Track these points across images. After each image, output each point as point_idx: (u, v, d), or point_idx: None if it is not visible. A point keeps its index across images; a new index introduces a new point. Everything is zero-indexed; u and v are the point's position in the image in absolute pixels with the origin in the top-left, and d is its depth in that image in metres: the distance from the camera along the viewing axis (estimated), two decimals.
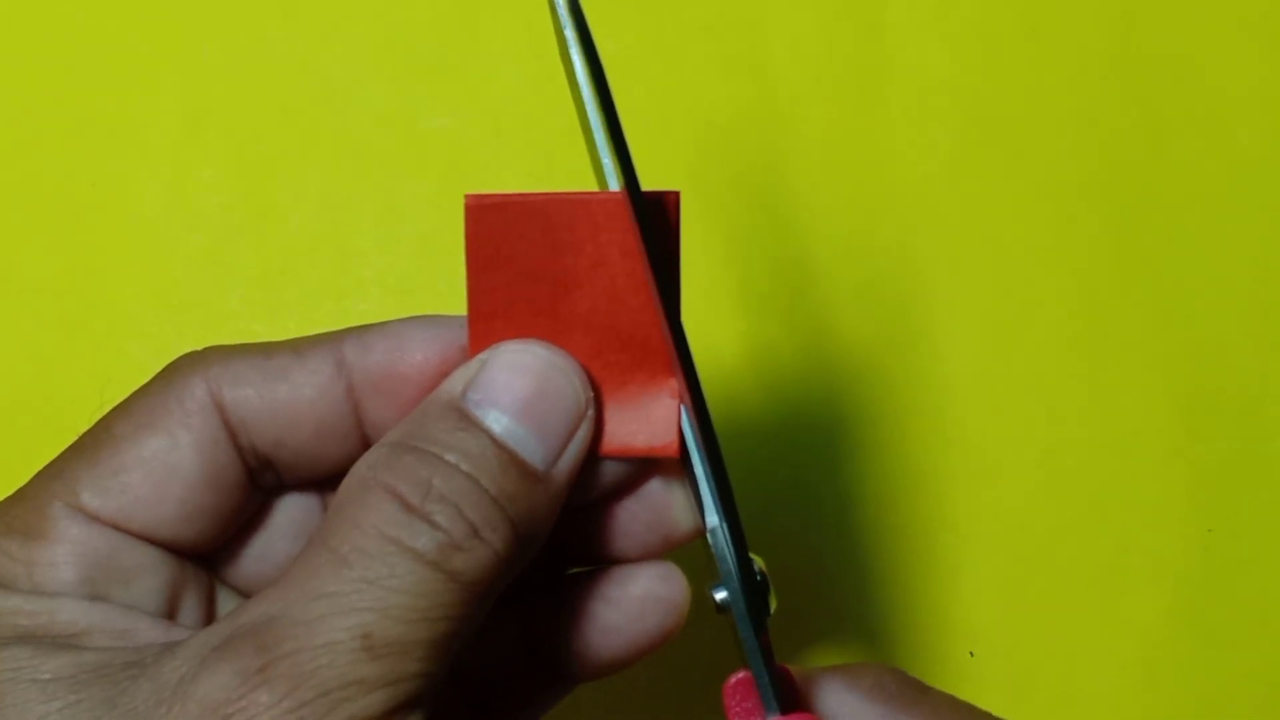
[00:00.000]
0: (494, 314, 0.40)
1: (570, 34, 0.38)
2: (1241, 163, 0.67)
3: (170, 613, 0.40)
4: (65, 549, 0.38)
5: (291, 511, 0.43)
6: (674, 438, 0.40)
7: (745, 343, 0.63)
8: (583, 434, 0.39)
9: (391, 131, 0.66)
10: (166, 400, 0.40)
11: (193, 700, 0.32)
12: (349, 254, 0.65)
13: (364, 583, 0.34)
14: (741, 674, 0.38)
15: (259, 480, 0.42)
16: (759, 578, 0.39)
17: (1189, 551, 0.63)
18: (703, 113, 0.66)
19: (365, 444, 0.41)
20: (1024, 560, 0.63)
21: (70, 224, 0.64)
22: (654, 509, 0.42)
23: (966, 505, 0.63)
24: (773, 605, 0.39)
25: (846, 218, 0.65)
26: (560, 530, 0.39)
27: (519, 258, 0.39)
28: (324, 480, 0.43)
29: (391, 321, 0.41)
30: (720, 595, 0.39)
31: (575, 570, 0.44)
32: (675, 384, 0.40)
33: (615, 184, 0.39)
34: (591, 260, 0.39)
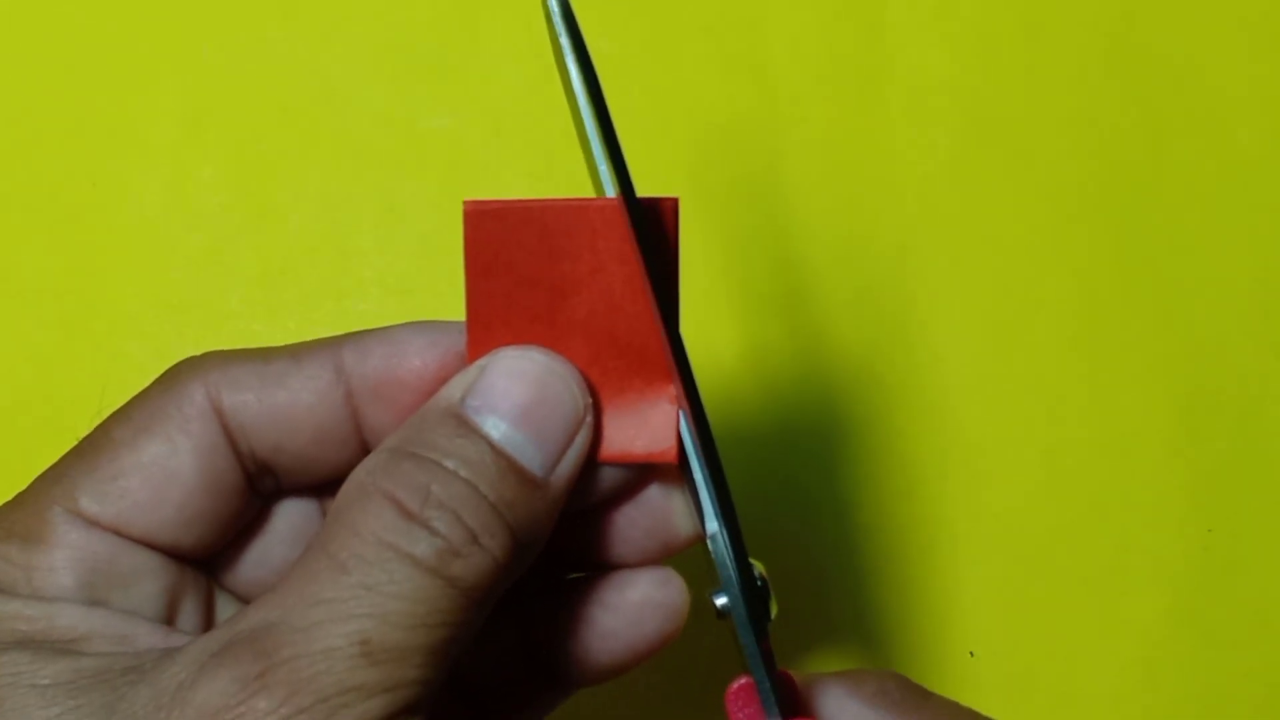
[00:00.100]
0: (492, 320, 0.40)
1: (565, 41, 0.38)
2: (1241, 163, 0.67)
3: (169, 618, 0.40)
4: (64, 554, 0.38)
5: (290, 517, 0.43)
6: (673, 443, 0.40)
7: (744, 345, 0.63)
8: (581, 440, 0.39)
9: (391, 131, 0.66)
10: (165, 405, 0.40)
11: (191, 706, 0.32)
12: (349, 254, 0.64)
13: (362, 589, 0.34)
14: (743, 680, 0.38)
15: (258, 485, 0.42)
16: (759, 583, 0.39)
17: (1189, 551, 0.63)
18: (702, 113, 0.66)
19: (364, 449, 0.41)
20: (1024, 560, 0.63)
21: (70, 224, 0.64)
22: (653, 515, 0.42)
23: (966, 506, 0.63)
24: (773, 611, 0.39)
25: (846, 218, 0.65)
26: (559, 536, 0.39)
27: (517, 264, 0.39)
28: (323, 485, 0.43)
29: (390, 327, 0.41)
30: (721, 601, 0.39)
31: (574, 575, 0.44)
32: (673, 389, 0.40)
33: (612, 191, 0.39)
34: (589, 266, 0.39)
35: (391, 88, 0.66)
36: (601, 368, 0.40)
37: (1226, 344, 0.65)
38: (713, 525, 0.39)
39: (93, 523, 0.39)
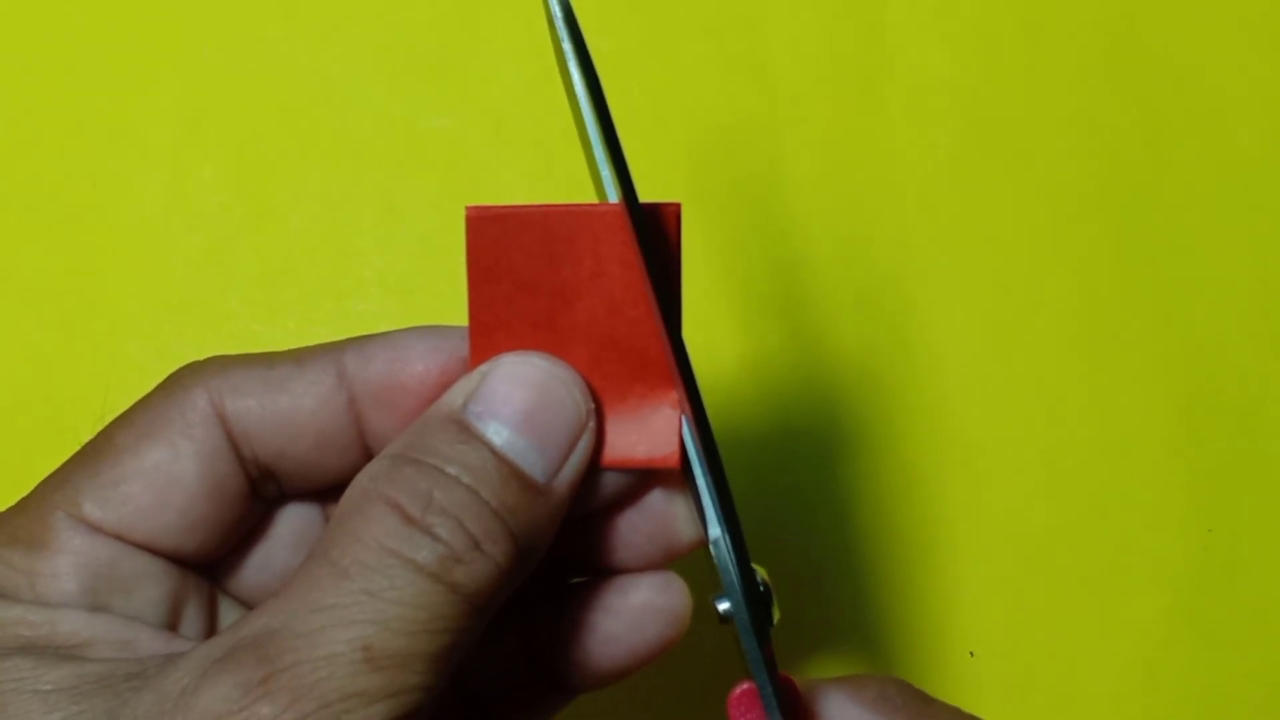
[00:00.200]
0: (494, 325, 0.40)
1: (567, 45, 0.38)
2: (1241, 163, 0.67)
3: (172, 623, 0.40)
4: (67, 559, 0.38)
5: (293, 522, 0.43)
6: (675, 449, 0.40)
7: (744, 348, 0.63)
8: (583, 446, 0.39)
9: (391, 131, 0.66)
10: (168, 411, 0.40)
11: (194, 712, 0.32)
12: (349, 254, 0.65)
13: (365, 595, 0.34)
14: (745, 685, 0.38)
15: (260, 491, 0.42)
16: (762, 588, 0.39)
17: (1189, 551, 0.63)
18: (702, 113, 0.66)
19: (366, 454, 0.41)
20: (1024, 560, 0.63)
21: (70, 224, 0.64)
22: (655, 520, 0.42)
23: (966, 506, 0.63)
24: (776, 616, 0.39)
25: (846, 219, 0.65)
26: (561, 541, 0.39)
27: (519, 269, 0.39)
28: (325, 490, 0.43)
29: (393, 332, 0.41)
30: (723, 606, 0.39)
31: (576, 580, 0.44)
32: (675, 395, 0.40)
33: (614, 196, 0.39)
34: (591, 272, 0.39)
35: (391, 88, 0.66)
36: (603, 373, 0.40)
37: (1226, 344, 0.65)
38: (715, 530, 0.39)
39: (95, 528, 0.39)
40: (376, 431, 0.41)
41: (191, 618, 0.41)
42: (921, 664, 0.62)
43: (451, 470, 0.36)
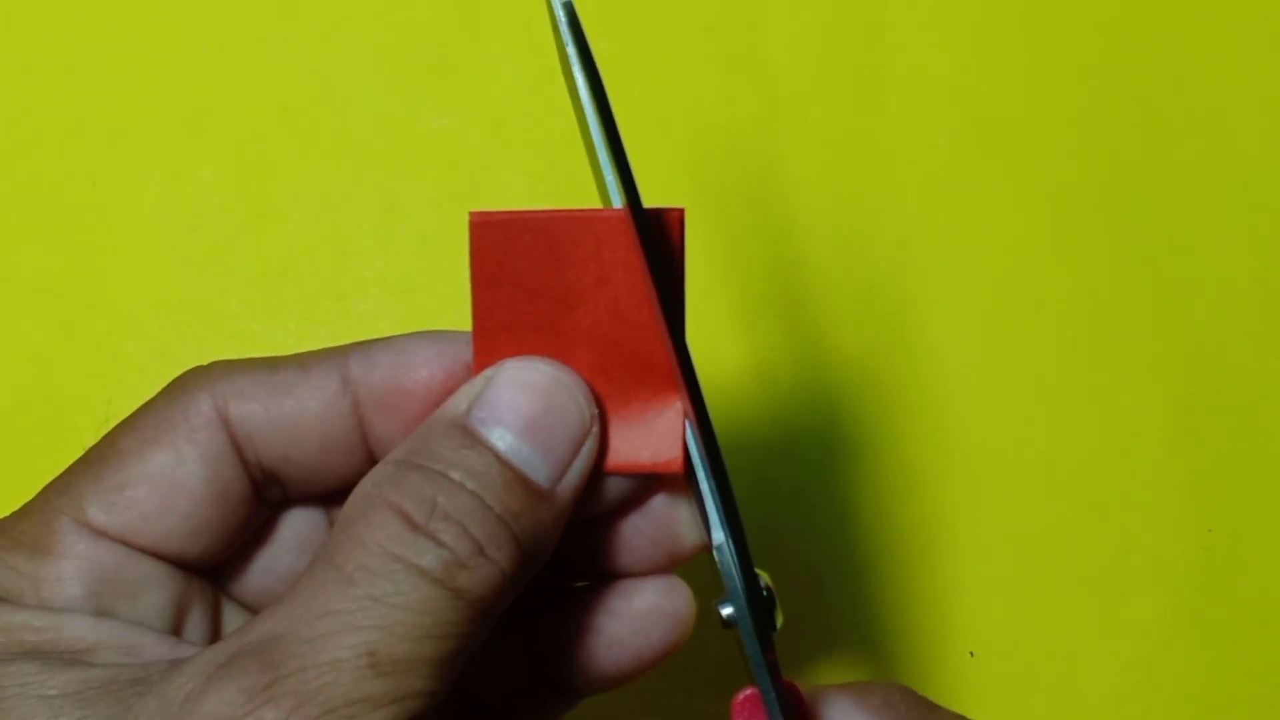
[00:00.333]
0: (498, 330, 0.40)
1: (571, 50, 0.38)
2: (1241, 163, 0.67)
3: (176, 628, 0.40)
4: (72, 564, 0.38)
5: (297, 526, 0.43)
6: (678, 453, 0.40)
7: (744, 347, 0.63)
8: (587, 451, 0.39)
9: (391, 131, 0.66)
10: (172, 415, 0.40)
11: (198, 717, 0.32)
12: (349, 254, 0.64)
13: (369, 600, 0.34)
14: (749, 691, 0.38)
15: (264, 495, 0.42)
16: (765, 593, 0.39)
17: (1189, 551, 0.63)
18: (702, 113, 0.66)
19: (370, 459, 0.41)
20: (1024, 560, 0.63)
21: (70, 224, 0.64)
22: (659, 524, 0.42)
23: (967, 506, 0.63)
24: (779, 621, 0.39)
25: (846, 219, 0.65)
26: (565, 546, 0.39)
27: (523, 274, 0.39)
28: (329, 495, 0.43)
29: (396, 337, 0.41)
30: (726, 611, 0.39)
31: (580, 584, 0.44)
32: (679, 400, 0.40)
33: (618, 200, 0.39)
34: (595, 277, 0.39)
35: (391, 88, 0.66)
36: (607, 378, 0.40)
37: (1226, 344, 0.65)
38: (718, 535, 0.39)
39: (100, 533, 0.39)
40: (380, 436, 0.41)
41: (196, 622, 0.41)
42: (922, 664, 0.62)
43: (456, 476, 0.36)
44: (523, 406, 0.38)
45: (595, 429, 0.39)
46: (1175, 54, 0.68)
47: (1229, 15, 0.69)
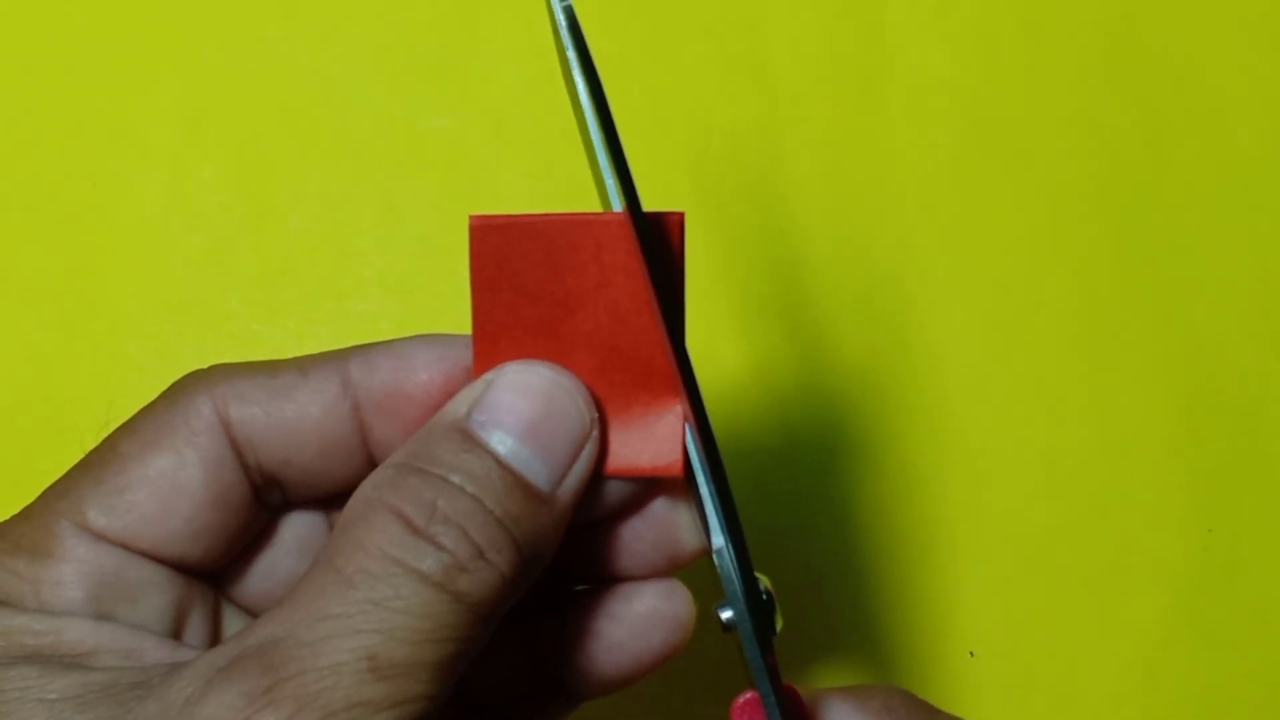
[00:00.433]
0: (498, 334, 0.40)
1: (572, 54, 0.38)
2: (1241, 163, 0.67)
3: (176, 631, 0.40)
4: (72, 568, 0.38)
5: (297, 529, 0.43)
6: (678, 457, 0.40)
7: (746, 349, 0.63)
8: (587, 454, 0.39)
9: (391, 131, 0.66)
10: (173, 419, 0.40)
11: None
12: (349, 254, 0.64)
13: (369, 604, 0.34)
14: (749, 694, 0.38)
15: (265, 498, 0.42)
16: (765, 597, 0.39)
17: (1189, 551, 0.63)
18: (702, 113, 0.66)
19: (370, 463, 0.41)
20: (1024, 560, 0.63)
21: (70, 224, 0.64)
22: (659, 528, 0.42)
23: (967, 506, 0.63)
24: (779, 625, 0.39)
25: (846, 219, 0.65)
26: (565, 549, 0.39)
27: (523, 278, 0.39)
28: (329, 498, 0.43)
29: (397, 340, 0.41)
30: (726, 615, 0.39)
31: (580, 588, 0.44)
32: (679, 403, 0.40)
33: (618, 204, 0.39)
34: (595, 281, 0.39)
35: (391, 88, 0.66)
36: (607, 382, 0.40)
37: (1226, 344, 0.65)
38: (718, 539, 0.39)
39: (100, 536, 0.39)
40: (380, 439, 0.41)
41: (196, 626, 0.41)
42: (922, 664, 0.62)
43: (456, 479, 0.36)
44: (523, 410, 0.38)
45: (595, 433, 0.39)
46: (1175, 54, 0.68)
47: (1229, 15, 0.69)
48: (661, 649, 0.42)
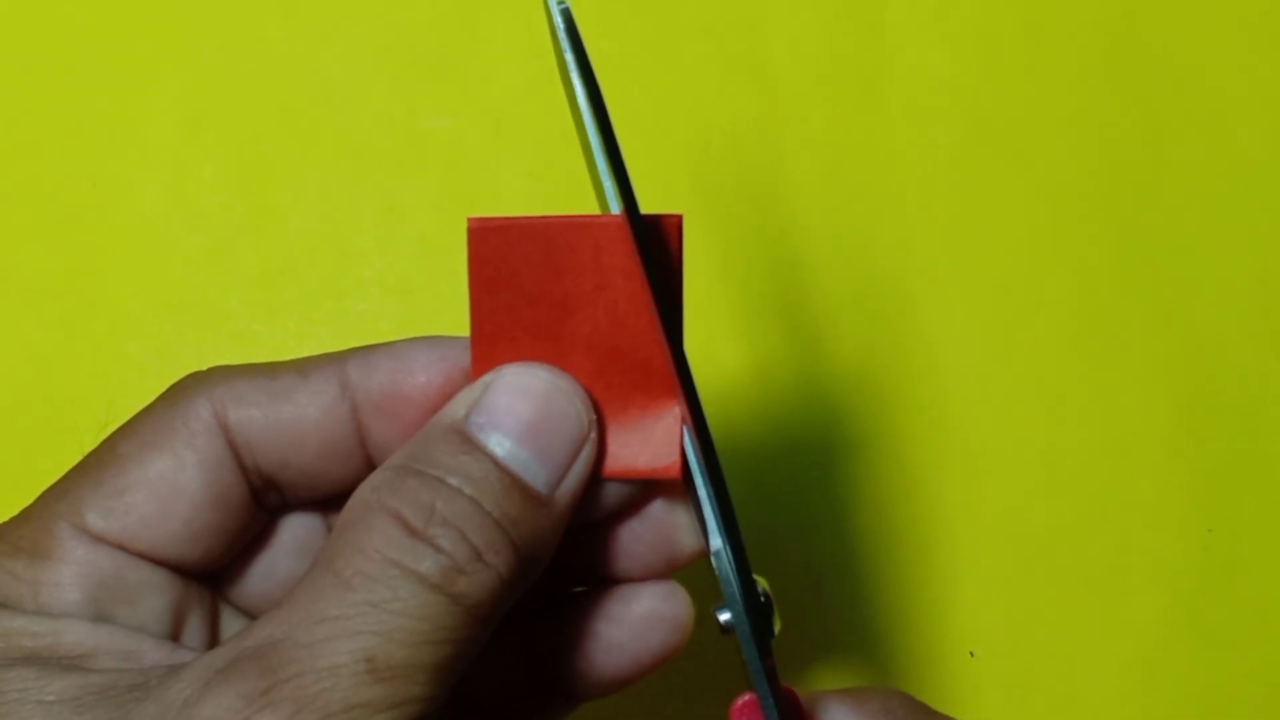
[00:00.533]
0: (497, 336, 0.40)
1: (570, 57, 0.38)
2: (1241, 163, 0.67)
3: (175, 633, 0.40)
4: (71, 570, 0.38)
5: (295, 531, 0.44)
6: (676, 459, 0.40)
7: (745, 349, 0.63)
8: (585, 456, 0.39)
9: (391, 131, 0.66)
10: (171, 420, 0.40)
11: None
12: (349, 254, 0.64)
13: (367, 606, 0.34)
14: (747, 696, 0.38)
15: (263, 500, 0.42)
16: (763, 599, 0.39)
17: (1189, 551, 0.63)
18: (702, 113, 0.66)
19: (369, 464, 0.41)
20: (1024, 560, 0.63)
21: (70, 224, 0.64)
22: (657, 530, 0.42)
23: (966, 506, 0.63)
24: (777, 627, 0.39)
25: (846, 219, 0.65)
26: (563, 551, 0.39)
27: (521, 280, 0.39)
28: (328, 500, 0.43)
29: (395, 342, 0.41)
30: (724, 617, 0.39)
31: (578, 589, 0.44)
32: (677, 405, 0.40)
33: (616, 207, 0.39)
34: (593, 283, 0.39)
35: (391, 88, 0.66)
36: (605, 384, 0.40)
37: (1226, 344, 0.65)
38: (716, 541, 0.39)
39: (99, 538, 0.39)
40: (379, 441, 0.41)
41: (194, 627, 0.41)
42: (921, 665, 0.62)
43: (454, 481, 0.36)
44: (521, 412, 0.38)
45: (593, 434, 0.39)
46: (1175, 54, 0.68)
47: (1229, 15, 0.69)
48: (660, 651, 0.42)
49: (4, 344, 0.63)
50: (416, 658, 0.34)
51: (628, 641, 0.42)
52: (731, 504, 0.39)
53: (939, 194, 0.66)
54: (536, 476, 0.37)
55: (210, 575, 0.42)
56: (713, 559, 0.39)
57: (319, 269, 0.64)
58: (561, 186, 0.65)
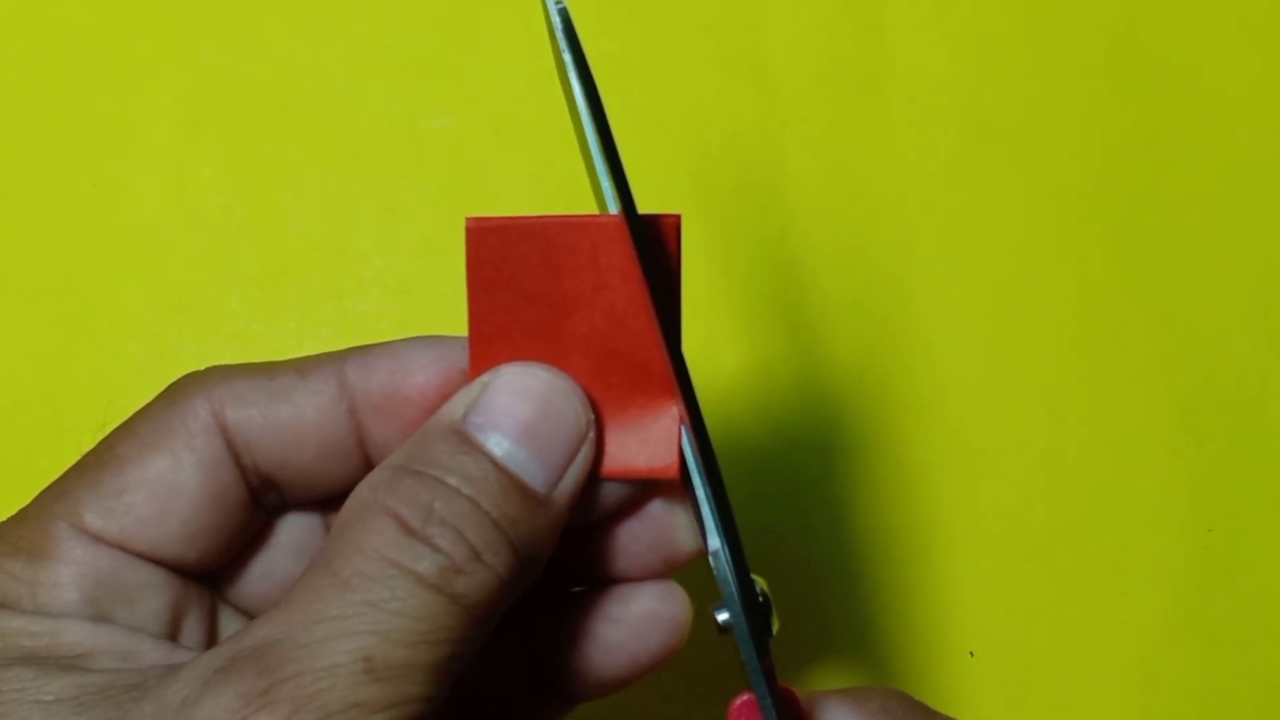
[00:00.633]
0: (495, 336, 0.40)
1: (568, 57, 0.38)
2: (1241, 163, 0.67)
3: (173, 633, 0.40)
4: (69, 570, 0.38)
5: (294, 531, 0.43)
6: (674, 459, 0.40)
7: (745, 349, 0.63)
8: (584, 456, 0.39)
9: (391, 131, 0.66)
10: (170, 420, 0.40)
11: None
12: (349, 254, 0.64)
13: (366, 606, 0.34)
14: (746, 696, 0.38)
15: (262, 500, 0.42)
16: (761, 599, 0.39)
17: (1189, 551, 0.63)
18: (702, 113, 0.66)
19: (367, 464, 0.41)
20: (1024, 560, 0.63)
21: (70, 224, 0.64)
22: (656, 530, 0.42)
23: (966, 506, 0.63)
24: (775, 627, 0.39)
25: (846, 219, 0.65)
26: (562, 551, 0.39)
27: (520, 280, 0.39)
28: (326, 500, 0.43)
29: (394, 342, 0.41)
30: (723, 617, 0.39)
31: (577, 590, 0.44)
32: (675, 405, 0.40)
33: (614, 207, 0.39)
34: (592, 283, 0.39)
35: (391, 88, 0.66)
36: (604, 384, 0.40)
37: (1226, 344, 0.65)
38: (714, 542, 0.39)
39: (97, 538, 0.39)
40: (377, 441, 0.41)
41: (193, 627, 0.41)
42: (921, 665, 0.62)
43: (452, 481, 0.36)
44: (519, 412, 0.38)
45: (591, 434, 0.39)
46: (1175, 54, 0.68)
47: (1229, 15, 0.69)
48: (658, 651, 0.42)
49: (4, 344, 0.63)
50: (415, 658, 0.34)
51: (626, 641, 0.42)
52: (730, 504, 0.39)
53: (939, 194, 0.66)
54: (535, 476, 0.37)
55: (209, 575, 0.42)
56: (711, 559, 0.39)
57: (319, 269, 0.64)
58: (561, 186, 0.65)
